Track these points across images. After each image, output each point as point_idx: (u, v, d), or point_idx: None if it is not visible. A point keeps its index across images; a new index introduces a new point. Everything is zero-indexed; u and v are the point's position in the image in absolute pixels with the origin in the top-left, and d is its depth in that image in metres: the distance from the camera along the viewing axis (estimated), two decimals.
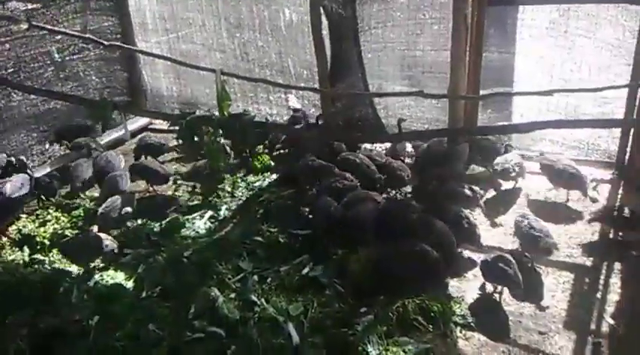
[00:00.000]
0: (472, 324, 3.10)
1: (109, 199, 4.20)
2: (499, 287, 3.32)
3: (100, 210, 4.15)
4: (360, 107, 5.18)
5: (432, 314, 3.11)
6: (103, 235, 3.84)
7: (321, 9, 4.98)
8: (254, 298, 3.34)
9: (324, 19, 5.04)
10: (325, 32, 5.07)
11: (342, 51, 5.08)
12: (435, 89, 4.75)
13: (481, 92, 4.67)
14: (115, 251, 3.79)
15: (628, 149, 4.46)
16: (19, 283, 3.48)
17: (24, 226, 4.28)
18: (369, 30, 5.11)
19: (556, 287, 3.38)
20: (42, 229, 4.22)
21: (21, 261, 3.82)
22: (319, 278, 3.48)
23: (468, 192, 3.91)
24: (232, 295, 3.40)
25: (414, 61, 5.02)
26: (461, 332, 3.07)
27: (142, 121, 6.21)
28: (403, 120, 4.59)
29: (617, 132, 4.51)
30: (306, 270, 3.56)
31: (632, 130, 4.36)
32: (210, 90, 6.17)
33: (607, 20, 4.31)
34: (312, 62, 5.36)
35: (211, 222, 4.30)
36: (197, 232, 4.16)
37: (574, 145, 4.80)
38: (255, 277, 3.55)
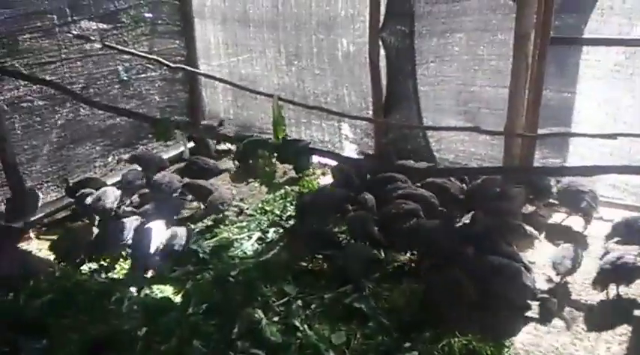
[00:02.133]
0: None
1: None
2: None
3: None
4: (413, 139, 5.18)
5: None
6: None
7: (380, 41, 5.08)
8: (297, 323, 3.34)
9: (381, 50, 5.13)
10: (382, 63, 5.15)
11: (398, 83, 5.13)
12: (491, 125, 4.69)
13: (538, 131, 4.59)
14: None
15: None
16: (75, 289, 3.63)
17: None
18: (426, 63, 5.13)
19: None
20: None
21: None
22: (363, 309, 3.45)
23: (526, 229, 3.80)
24: (275, 318, 3.42)
25: (471, 96, 4.99)
26: None
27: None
28: None
29: None
30: (350, 300, 3.56)
31: None
32: (264, 114, 6.33)
33: None
34: (367, 92, 5.43)
35: (258, 244, 4.36)
36: (244, 253, 4.23)
37: (635, 191, 4.62)
38: (299, 302, 3.56)
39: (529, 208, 4.58)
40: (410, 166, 4.87)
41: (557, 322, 3.38)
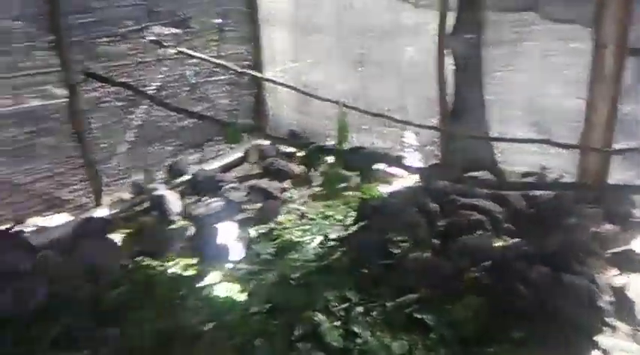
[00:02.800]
0: None
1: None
2: None
3: None
4: (479, 149, 5.08)
5: None
6: None
7: (447, 49, 5.03)
8: (358, 329, 3.35)
9: (449, 58, 5.07)
10: (449, 71, 5.09)
11: (465, 91, 5.05)
12: (563, 138, 4.52)
13: (614, 146, 4.40)
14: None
15: None
16: (147, 282, 3.81)
17: None
18: (495, 72, 5.03)
19: None
20: None
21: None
22: (425, 320, 3.42)
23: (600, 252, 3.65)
24: (336, 323, 3.44)
25: (542, 106, 4.84)
26: None
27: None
28: None
29: None
30: (411, 309, 3.53)
31: None
32: (327, 120, 6.39)
33: None
34: (432, 100, 5.39)
35: (320, 248, 4.40)
36: (306, 256, 4.27)
37: None
38: (361, 308, 3.57)
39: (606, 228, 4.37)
40: (477, 177, 4.76)
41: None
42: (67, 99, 4.74)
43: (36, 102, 4.64)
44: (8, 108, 4.47)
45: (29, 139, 4.63)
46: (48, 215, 4.79)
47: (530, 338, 3.20)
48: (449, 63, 5.08)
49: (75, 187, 4.97)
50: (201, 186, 5.12)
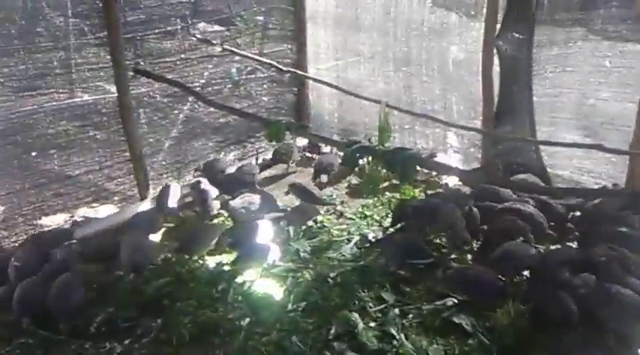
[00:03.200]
0: None
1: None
2: None
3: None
4: (524, 152, 4.94)
5: None
6: None
7: (495, 49, 4.91)
8: (394, 331, 3.33)
9: (495, 59, 4.96)
10: (495, 72, 4.98)
11: (512, 93, 4.92)
12: (614, 143, 4.34)
13: None
14: None
15: None
16: (188, 276, 3.90)
17: None
18: (544, 73, 4.89)
19: None
20: None
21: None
22: (463, 325, 3.36)
23: None
24: (372, 324, 3.42)
25: (593, 110, 4.67)
26: None
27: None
28: None
29: None
30: (448, 313, 3.48)
31: None
32: (368, 119, 6.36)
33: None
34: (476, 101, 5.28)
35: (357, 248, 4.39)
36: (343, 255, 4.27)
37: None
38: (397, 310, 3.54)
39: None
40: (521, 181, 4.65)
41: None
42: (117, 95, 4.89)
43: (87, 97, 4.81)
44: (61, 102, 4.65)
45: (80, 133, 4.80)
46: (95, 206, 4.97)
47: (573, 347, 3.09)
48: (495, 63, 4.96)
49: (121, 180, 5.13)
50: (242, 183, 5.17)
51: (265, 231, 4.38)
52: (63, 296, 3.47)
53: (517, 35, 4.79)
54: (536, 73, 4.88)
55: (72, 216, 4.78)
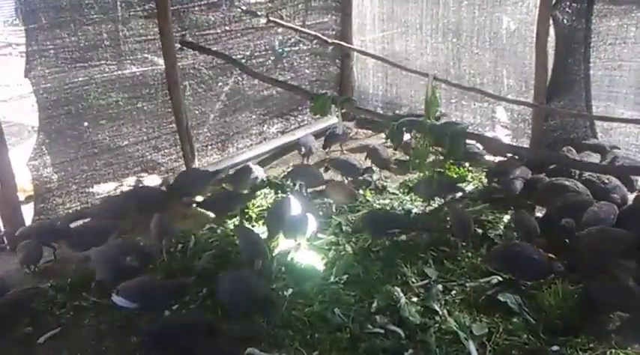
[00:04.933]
0: None
1: None
2: None
3: None
4: (577, 128, 4.73)
5: None
6: None
7: (550, 19, 4.67)
8: (436, 307, 3.30)
9: (551, 30, 4.72)
10: (550, 44, 4.74)
11: (568, 65, 4.70)
12: None
13: None
14: None
15: None
16: (231, 247, 3.99)
17: None
18: (603, 45, 4.63)
19: None
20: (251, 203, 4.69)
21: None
22: (508, 304, 3.29)
23: None
24: (414, 299, 3.41)
25: None
26: None
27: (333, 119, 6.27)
28: None
29: None
30: (493, 291, 3.41)
31: None
32: (414, 92, 6.24)
33: None
34: (529, 74, 5.07)
35: None
36: None
37: None
38: (440, 286, 3.51)
39: None
40: (577, 160, 4.42)
41: None
42: (164, 67, 4.94)
43: (135, 69, 4.88)
44: (111, 73, 4.74)
45: (129, 104, 4.90)
46: (142, 176, 5.10)
47: (621, 331, 3.02)
48: (550, 34, 4.72)
49: (168, 151, 5.24)
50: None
51: (309, 204, 4.38)
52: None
53: (575, 5, 4.53)
54: (595, 45, 4.63)
55: (121, 185, 4.93)
